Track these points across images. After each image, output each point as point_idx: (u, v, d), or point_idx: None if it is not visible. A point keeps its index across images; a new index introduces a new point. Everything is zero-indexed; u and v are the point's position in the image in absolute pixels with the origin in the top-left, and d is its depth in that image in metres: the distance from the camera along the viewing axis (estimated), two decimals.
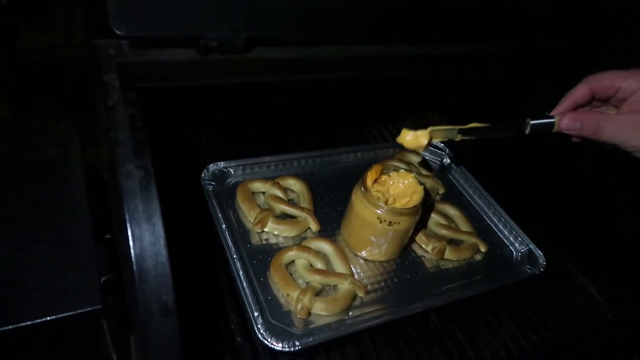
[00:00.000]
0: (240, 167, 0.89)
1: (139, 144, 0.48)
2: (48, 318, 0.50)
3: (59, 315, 0.51)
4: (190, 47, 0.59)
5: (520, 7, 0.79)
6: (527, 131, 0.61)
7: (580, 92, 0.57)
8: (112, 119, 0.48)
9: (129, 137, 0.48)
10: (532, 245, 0.90)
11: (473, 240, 0.88)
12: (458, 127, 0.63)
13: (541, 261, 0.87)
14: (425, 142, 0.64)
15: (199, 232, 0.79)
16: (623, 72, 0.55)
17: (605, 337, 0.86)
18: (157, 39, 0.57)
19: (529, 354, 0.78)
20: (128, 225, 0.45)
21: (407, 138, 0.65)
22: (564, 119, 0.59)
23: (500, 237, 0.94)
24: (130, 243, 0.45)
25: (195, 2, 0.55)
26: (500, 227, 0.95)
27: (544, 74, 0.95)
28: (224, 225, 0.77)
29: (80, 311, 0.51)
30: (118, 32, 0.54)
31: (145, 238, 0.45)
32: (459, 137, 0.64)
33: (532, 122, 0.61)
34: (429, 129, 0.63)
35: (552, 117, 0.61)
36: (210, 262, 0.78)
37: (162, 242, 0.46)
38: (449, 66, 0.83)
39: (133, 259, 0.44)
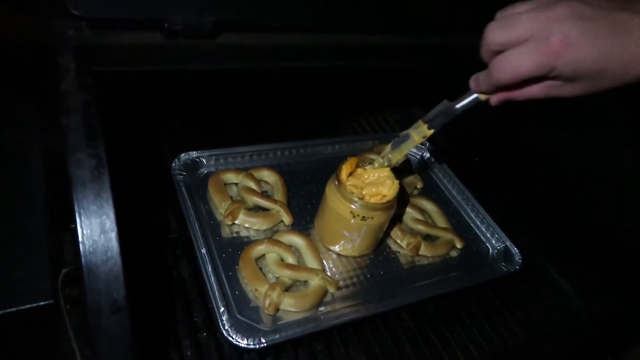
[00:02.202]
0: (213, 157, 0.86)
1: (92, 131, 0.45)
2: None
3: (7, 310, 0.48)
4: (155, 30, 0.56)
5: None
6: (456, 106, 0.60)
7: (487, 83, 0.53)
8: (64, 104, 0.45)
9: (81, 124, 0.45)
10: (508, 243, 0.89)
11: (449, 236, 0.87)
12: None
13: (517, 259, 0.86)
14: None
15: (167, 223, 0.77)
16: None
17: (577, 334, 0.86)
18: (118, 21, 0.54)
19: (501, 353, 0.78)
20: (76, 216, 0.42)
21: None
22: (493, 101, 0.57)
23: (477, 233, 0.93)
24: (79, 236, 0.42)
25: None
26: (478, 223, 0.94)
27: None
28: (192, 217, 0.75)
29: (30, 306, 0.49)
30: (75, 13, 0.51)
31: (94, 231, 0.43)
32: (428, 132, 0.65)
33: (457, 106, 0.60)
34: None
35: (474, 95, 0.58)
36: (178, 254, 0.76)
37: (113, 235, 0.43)
38: (429, 57, 0.81)
39: (82, 254, 0.42)
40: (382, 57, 0.75)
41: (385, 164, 0.73)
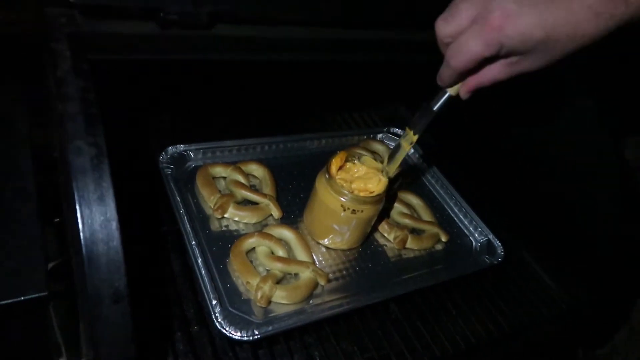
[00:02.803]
0: (201, 150, 0.85)
1: (91, 119, 0.44)
2: None
3: (1, 302, 0.47)
4: (149, 19, 0.56)
5: None
6: (435, 108, 0.64)
7: (448, 74, 0.55)
8: (61, 91, 0.45)
9: (79, 111, 0.44)
10: (491, 236, 0.91)
11: (434, 230, 0.89)
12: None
13: (499, 251, 0.89)
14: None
15: (155, 217, 0.76)
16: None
17: (558, 325, 0.89)
18: (112, 9, 0.54)
19: (486, 342, 0.80)
20: (77, 206, 0.42)
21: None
22: (462, 94, 0.59)
23: (460, 227, 0.95)
24: (80, 225, 0.41)
25: None
26: (461, 217, 0.96)
27: None
28: (182, 211, 0.74)
29: (24, 298, 0.47)
30: (70, 0, 0.50)
31: (96, 220, 0.42)
32: (414, 137, 0.70)
33: (434, 108, 0.64)
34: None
35: (445, 92, 0.62)
36: (168, 248, 0.75)
37: (114, 224, 0.43)
38: (416, 52, 0.82)
39: (82, 243, 0.41)
40: (372, 51, 0.76)
41: (385, 177, 0.76)
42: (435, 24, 0.52)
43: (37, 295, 0.48)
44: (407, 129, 0.70)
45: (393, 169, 0.75)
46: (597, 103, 0.90)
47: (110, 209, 0.43)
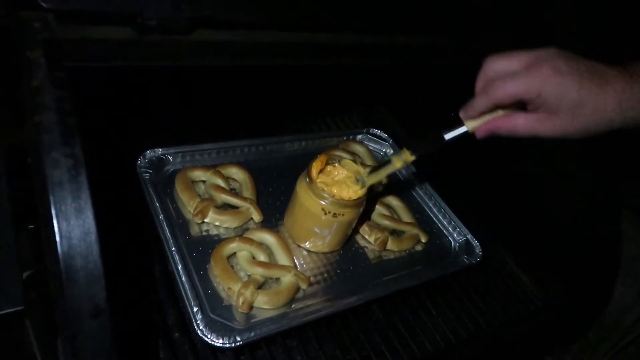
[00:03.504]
0: (180, 154, 0.84)
1: (68, 130, 0.43)
2: None
3: None
4: (127, 25, 0.55)
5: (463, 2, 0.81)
6: (446, 139, 0.64)
7: (481, 102, 0.58)
8: (36, 101, 0.44)
9: (56, 122, 0.43)
10: (469, 236, 0.93)
11: (414, 231, 0.89)
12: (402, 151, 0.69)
13: (477, 251, 0.90)
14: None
15: (134, 223, 0.75)
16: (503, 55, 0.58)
17: (533, 322, 0.91)
18: (89, 14, 0.52)
19: (465, 341, 0.81)
20: (54, 219, 0.41)
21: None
22: (479, 132, 0.61)
23: (439, 227, 0.96)
24: (57, 239, 0.41)
25: None
26: (440, 217, 0.97)
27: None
28: (161, 216, 0.73)
29: (1, 313, 0.46)
30: (44, 5, 0.49)
31: (74, 234, 0.41)
32: (411, 158, 0.68)
33: (446, 136, 0.63)
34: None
35: (462, 126, 0.62)
36: (147, 254, 0.74)
37: (93, 237, 0.42)
38: (394, 56, 0.83)
39: (60, 257, 0.40)
40: (352, 56, 0.76)
41: (360, 185, 0.75)
42: (486, 59, 0.57)
43: (13, 309, 0.47)
44: (404, 148, 0.69)
45: (372, 181, 0.75)
46: None
47: (89, 222, 0.42)
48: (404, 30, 0.82)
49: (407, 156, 0.68)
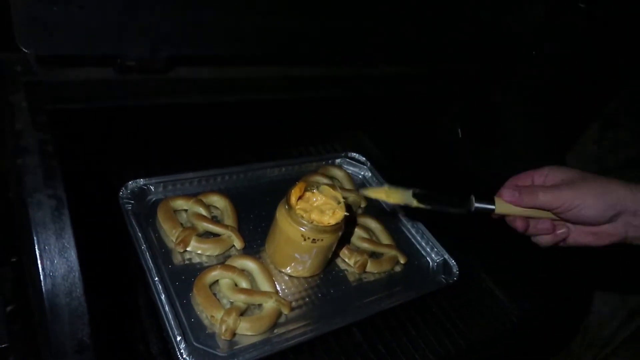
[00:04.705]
0: (161, 184, 0.86)
1: (50, 171, 0.45)
2: None
3: None
4: (107, 66, 0.57)
5: (435, 34, 0.85)
6: (472, 209, 0.65)
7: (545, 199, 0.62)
8: (19, 145, 0.45)
9: (38, 164, 0.45)
10: (446, 256, 0.95)
11: (393, 252, 0.92)
12: (412, 190, 0.67)
13: (455, 270, 0.93)
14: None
15: (117, 254, 0.76)
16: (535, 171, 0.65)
17: (511, 337, 0.93)
18: (70, 58, 0.54)
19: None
20: (38, 259, 0.42)
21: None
22: (505, 191, 0.64)
23: (418, 248, 0.99)
24: (41, 278, 0.42)
25: (112, 18, 0.53)
26: (418, 238, 1.00)
27: (456, 91, 1.02)
28: (143, 246, 0.74)
29: None
30: (26, 50, 0.51)
31: (58, 272, 0.43)
32: (414, 204, 0.67)
33: (476, 204, 0.65)
34: (386, 187, 0.69)
35: (492, 203, 0.64)
36: (130, 285, 0.75)
37: (76, 275, 0.44)
38: (369, 86, 0.86)
39: (44, 296, 0.42)
40: (328, 87, 0.79)
41: (342, 207, 0.78)
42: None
43: None
44: (412, 191, 0.67)
45: (393, 196, 0.69)
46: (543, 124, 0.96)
47: (72, 260, 0.44)
48: (379, 60, 0.85)
49: (413, 201, 0.67)
